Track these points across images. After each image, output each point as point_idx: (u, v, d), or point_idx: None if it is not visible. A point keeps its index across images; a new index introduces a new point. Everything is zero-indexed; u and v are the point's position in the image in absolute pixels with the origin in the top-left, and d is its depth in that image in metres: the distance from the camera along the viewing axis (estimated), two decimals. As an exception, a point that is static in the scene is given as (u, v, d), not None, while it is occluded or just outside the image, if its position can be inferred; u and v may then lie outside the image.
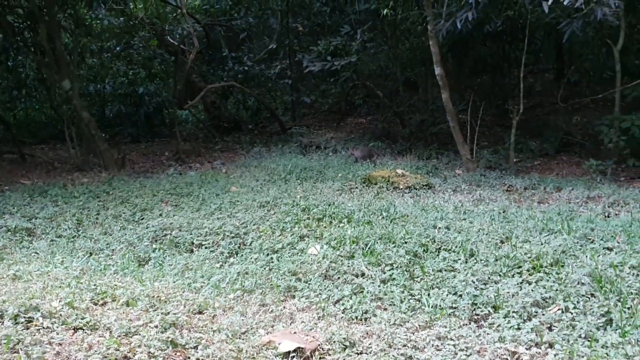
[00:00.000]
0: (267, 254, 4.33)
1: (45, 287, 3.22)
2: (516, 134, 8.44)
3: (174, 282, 3.63)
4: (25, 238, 4.89)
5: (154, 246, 4.64)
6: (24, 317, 2.50)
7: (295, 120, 11.85)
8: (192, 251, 4.59)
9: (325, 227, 4.90)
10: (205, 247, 4.59)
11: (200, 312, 3.09)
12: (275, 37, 11.88)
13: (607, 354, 2.74)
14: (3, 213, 5.64)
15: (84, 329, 2.51)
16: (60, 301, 2.85)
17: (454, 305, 3.39)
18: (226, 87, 11.04)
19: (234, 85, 10.62)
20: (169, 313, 2.88)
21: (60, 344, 2.30)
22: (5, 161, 9.67)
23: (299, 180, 7.07)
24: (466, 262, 4.07)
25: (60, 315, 2.59)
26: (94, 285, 3.20)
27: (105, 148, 8.57)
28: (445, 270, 3.96)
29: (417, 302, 3.46)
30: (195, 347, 2.45)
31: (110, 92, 12.29)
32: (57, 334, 2.41)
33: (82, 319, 2.59)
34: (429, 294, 3.56)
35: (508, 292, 3.53)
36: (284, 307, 3.36)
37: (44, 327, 2.43)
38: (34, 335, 2.33)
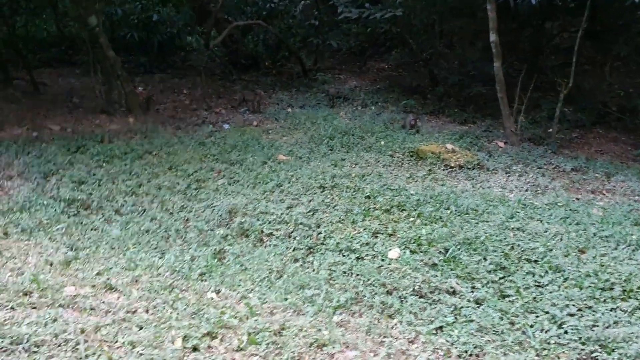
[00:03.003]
0: (345, 255, 4.19)
1: (149, 308, 3.06)
2: (555, 102, 8.24)
3: (272, 294, 3.49)
4: (82, 212, 4.67)
5: (222, 232, 4.47)
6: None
7: (317, 64, 11.38)
8: (262, 240, 4.43)
9: (395, 221, 4.76)
10: (276, 238, 4.44)
11: (319, 347, 2.97)
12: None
13: None
14: (48, 174, 5.36)
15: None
16: (183, 340, 2.70)
17: (560, 342, 3.32)
18: (251, 24, 10.45)
19: (261, 24, 10.05)
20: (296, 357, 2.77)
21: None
22: (18, 91, 9.14)
23: (344, 148, 6.84)
24: (554, 280, 3.99)
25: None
26: (206, 316, 3.03)
27: (131, 90, 8.12)
28: (534, 288, 3.90)
29: (522, 334, 3.38)
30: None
31: (121, 17, 11.52)
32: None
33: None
34: (530, 324, 3.48)
35: (608, 325, 3.48)
36: (391, 335, 3.25)
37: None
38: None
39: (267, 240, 4.43)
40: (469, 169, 6.37)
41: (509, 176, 6.35)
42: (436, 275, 3.92)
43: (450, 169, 6.32)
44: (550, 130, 8.29)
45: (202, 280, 3.62)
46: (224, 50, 11.62)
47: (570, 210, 5.31)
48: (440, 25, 9.35)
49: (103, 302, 3.07)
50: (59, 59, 12.23)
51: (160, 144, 6.31)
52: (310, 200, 5.02)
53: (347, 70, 11.94)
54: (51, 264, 3.59)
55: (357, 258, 4.16)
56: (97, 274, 3.50)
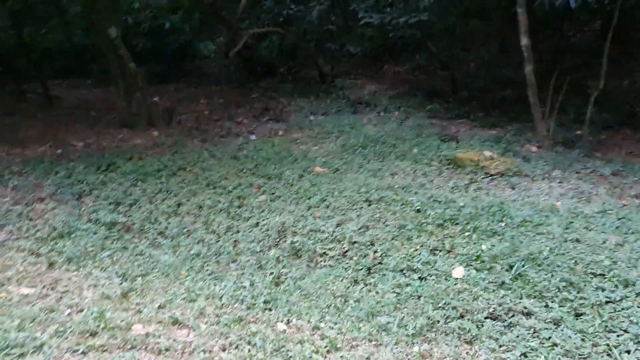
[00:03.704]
0: (407, 275, 4.02)
1: (226, 346, 2.88)
2: (579, 104, 8.12)
3: (343, 323, 3.31)
4: (125, 236, 4.48)
5: (274, 253, 4.29)
6: None
7: (334, 70, 11.20)
8: (315, 261, 4.25)
9: (451, 236, 4.58)
10: (331, 257, 4.26)
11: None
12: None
13: None
14: (80, 195, 5.17)
15: None
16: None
17: (653, 367, 3.15)
18: (268, 32, 10.27)
19: (278, 31, 9.87)
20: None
21: None
22: (32, 105, 8.95)
23: (377, 158, 6.66)
24: (627, 295, 3.81)
25: None
26: (289, 354, 2.85)
27: (152, 102, 7.94)
28: (608, 304, 3.72)
29: (609, 357, 3.21)
30: None
31: (132, 25, 11.27)
32: None
33: None
34: (613, 344, 3.30)
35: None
36: (478, 366, 3.08)
37: None
38: None
39: (321, 261, 4.25)
40: (509, 176, 6.20)
41: (550, 182, 6.18)
42: (507, 295, 3.75)
43: (491, 177, 6.15)
44: (578, 132, 8.14)
45: (268, 310, 3.44)
46: (239, 58, 11.42)
47: (622, 218, 5.13)
48: (461, 29, 9.16)
49: (175, 341, 2.89)
50: (68, 70, 12.03)
51: (193, 160, 6.12)
52: (358, 216, 4.84)
53: (363, 75, 11.78)
54: (108, 297, 3.40)
55: (420, 278, 3.99)
56: (160, 307, 3.31)
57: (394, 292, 3.79)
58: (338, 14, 10.41)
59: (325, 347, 3.00)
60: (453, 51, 9.61)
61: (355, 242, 4.38)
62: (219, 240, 4.43)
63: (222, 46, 10.55)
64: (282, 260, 4.19)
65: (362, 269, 4.09)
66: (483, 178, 6.14)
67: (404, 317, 3.49)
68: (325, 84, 10.77)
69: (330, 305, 3.57)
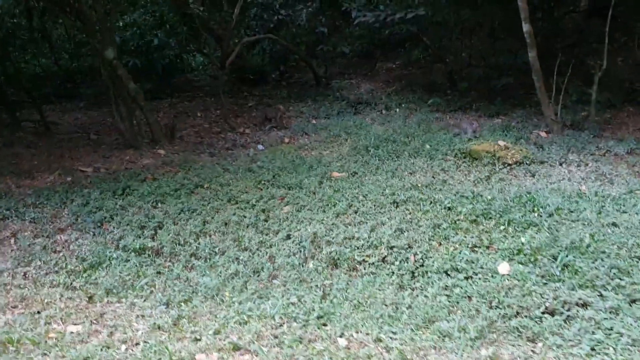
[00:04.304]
0: (452, 276, 3.95)
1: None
2: (580, 85, 8.13)
3: (403, 332, 3.23)
4: (157, 261, 4.36)
5: (313, 265, 4.20)
6: None
7: (327, 72, 11.12)
8: (355, 269, 4.17)
9: (487, 231, 4.52)
10: (371, 264, 4.18)
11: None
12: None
13: None
14: (102, 222, 5.02)
15: None
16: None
17: None
18: (260, 39, 10.15)
19: (270, 37, 9.76)
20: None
21: None
22: (30, 133, 8.75)
23: (391, 157, 6.58)
24: (677, 277, 3.78)
25: None
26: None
27: (155, 120, 7.80)
28: (659, 288, 3.69)
29: (677, 344, 3.16)
30: None
31: (120, 44, 11.09)
32: None
33: None
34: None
35: None
36: (548, 365, 3.02)
37: None
38: None
39: (360, 268, 4.17)
40: (527, 164, 6.17)
41: (568, 167, 6.16)
42: (560, 288, 3.69)
43: (509, 167, 6.11)
44: (584, 113, 8.14)
45: (324, 325, 3.35)
46: (229, 67, 11.28)
47: (651, 197, 5.12)
48: (454, 20, 9.13)
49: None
50: (58, 94, 11.80)
51: (208, 176, 6.00)
52: (390, 219, 4.76)
53: (356, 75, 11.70)
54: (160, 328, 3.29)
55: (466, 278, 3.92)
56: (215, 333, 3.21)
57: (444, 295, 3.72)
58: (327, 15, 10.32)
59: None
60: (446, 43, 9.56)
61: (393, 247, 4.30)
62: (253, 257, 4.32)
63: (214, 57, 10.38)
64: (322, 272, 4.11)
65: (405, 273, 4.01)
66: (502, 169, 6.10)
67: (461, 319, 3.42)
68: (321, 87, 10.68)
69: (384, 315, 3.49)
